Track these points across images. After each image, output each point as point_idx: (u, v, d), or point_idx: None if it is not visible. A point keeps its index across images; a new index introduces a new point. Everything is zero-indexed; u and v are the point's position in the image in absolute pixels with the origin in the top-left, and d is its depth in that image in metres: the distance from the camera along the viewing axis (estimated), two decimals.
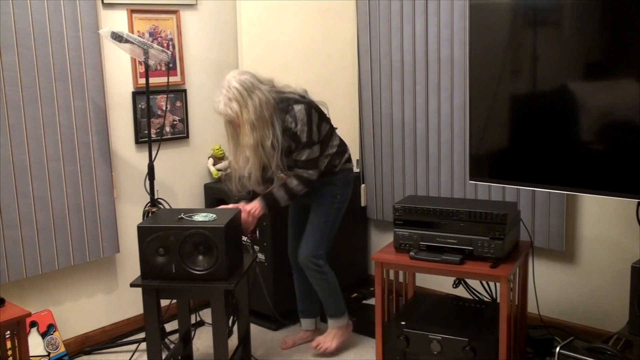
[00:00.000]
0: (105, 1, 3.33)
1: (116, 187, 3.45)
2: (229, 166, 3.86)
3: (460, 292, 3.12)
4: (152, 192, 3.26)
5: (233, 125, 2.92)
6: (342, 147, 3.15)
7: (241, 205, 3.01)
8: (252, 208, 2.97)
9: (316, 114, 2.97)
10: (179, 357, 3.00)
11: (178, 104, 3.70)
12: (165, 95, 3.56)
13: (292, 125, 2.89)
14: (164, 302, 3.19)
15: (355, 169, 3.97)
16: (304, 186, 3.00)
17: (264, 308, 3.52)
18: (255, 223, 3.01)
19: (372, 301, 3.54)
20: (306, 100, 2.97)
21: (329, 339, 3.23)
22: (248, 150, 2.88)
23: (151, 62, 3.14)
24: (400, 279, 3.10)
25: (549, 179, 2.67)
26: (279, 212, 3.25)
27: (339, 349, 3.24)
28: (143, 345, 3.15)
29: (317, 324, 3.40)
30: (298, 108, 2.89)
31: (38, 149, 3.09)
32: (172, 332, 3.41)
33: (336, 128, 3.16)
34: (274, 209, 3.06)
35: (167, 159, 3.67)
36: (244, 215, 2.93)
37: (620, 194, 2.48)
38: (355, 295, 3.89)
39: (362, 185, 4.02)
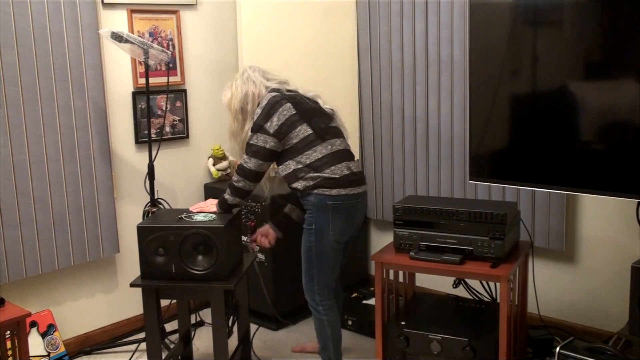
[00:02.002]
0: (105, 1, 3.33)
1: (116, 187, 3.45)
2: (229, 166, 3.88)
3: (460, 292, 3.11)
4: (152, 192, 3.26)
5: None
6: (324, 167, 2.73)
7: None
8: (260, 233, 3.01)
9: (291, 109, 2.73)
10: (179, 357, 3.00)
11: (178, 104, 3.70)
12: (165, 95, 3.56)
13: (259, 111, 2.76)
14: (164, 302, 3.19)
15: None
16: (238, 175, 2.75)
17: (264, 308, 3.52)
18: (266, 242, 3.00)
19: (372, 301, 3.54)
20: (287, 94, 2.79)
21: (309, 349, 3.26)
22: (231, 140, 2.90)
23: (151, 62, 3.14)
24: (400, 279, 3.10)
25: (549, 179, 2.67)
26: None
27: None
28: (143, 345, 3.15)
29: None
30: (267, 96, 2.77)
31: (38, 149, 3.09)
32: (172, 332, 3.41)
33: (337, 150, 2.79)
34: (229, 209, 2.79)
35: (167, 159, 3.67)
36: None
37: (620, 194, 2.48)
38: (355, 295, 3.89)
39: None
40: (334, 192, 2.73)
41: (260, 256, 3.54)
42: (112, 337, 3.54)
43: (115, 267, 3.55)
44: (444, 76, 3.49)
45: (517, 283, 2.86)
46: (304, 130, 2.74)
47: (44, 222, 3.14)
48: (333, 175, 2.73)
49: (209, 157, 3.89)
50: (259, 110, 2.75)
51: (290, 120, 2.72)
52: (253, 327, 3.27)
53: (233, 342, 2.94)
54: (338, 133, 2.86)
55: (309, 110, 2.79)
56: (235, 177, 2.76)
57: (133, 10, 3.44)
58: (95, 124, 3.29)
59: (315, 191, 2.72)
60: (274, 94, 2.78)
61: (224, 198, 2.79)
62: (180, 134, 3.74)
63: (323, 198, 2.72)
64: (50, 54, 3.09)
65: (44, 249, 3.15)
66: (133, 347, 3.38)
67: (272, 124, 2.71)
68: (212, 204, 2.83)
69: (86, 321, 3.46)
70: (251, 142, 2.73)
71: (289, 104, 2.74)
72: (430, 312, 2.97)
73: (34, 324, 3.18)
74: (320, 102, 2.90)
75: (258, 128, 2.72)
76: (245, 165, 2.73)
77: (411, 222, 2.82)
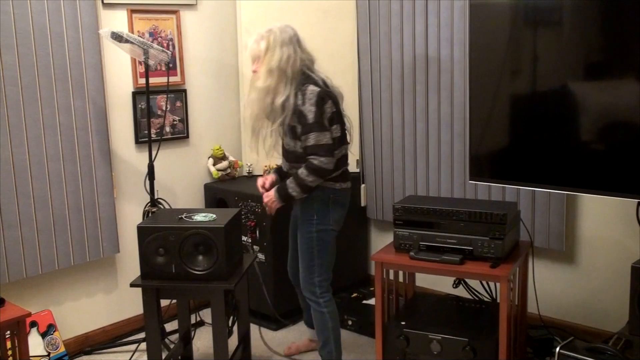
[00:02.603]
0: (105, 1, 3.33)
1: (116, 187, 3.45)
2: (229, 166, 3.88)
3: (460, 292, 3.11)
4: (152, 192, 3.26)
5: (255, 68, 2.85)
6: (339, 162, 2.85)
7: (260, 181, 2.99)
8: (269, 199, 2.86)
9: (332, 107, 2.79)
10: (179, 357, 3.00)
11: (178, 104, 3.70)
12: (165, 95, 3.56)
13: (300, 102, 2.73)
14: (164, 302, 3.19)
15: (355, 169, 3.97)
16: (315, 176, 2.73)
17: (264, 308, 3.52)
18: (274, 211, 2.91)
19: (372, 301, 3.54)
20: (327, 90, 2.81)
21: (303, 347, 3.26)
22: (254, 92, 2.80)
23: (151, 62, 3.14)
24: (400, 279, 3.10)
25: (549, 179, 2.67)
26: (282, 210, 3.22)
27: None
28: (143, 345, 3.15)
29: None
30: (312, 89, 2.74)
31: (38, 149, 3.09)
32: (172, 332, 3.41)
33: (348, 144, 2.93)
34: (289, 200, 2.85)
35: (167, 159, 3.67)
36: (264, 200, 2.90)
37: (620, 194, 2.48)
38: (355, 295, 3.89)
39: (362, 185, 4.02)
40: (337, 185, 2.87)
41: (260, 256, 3.54)
42: (112, 337, 3.54)
43: (115, 267, 3.55)
44: (444, 76, 3.49)
45: (517, 283, 2.86)
46: (337, 131, 2.82)
47: (44, 222, 3.14)
48: (338, 171, 2.86)
49: (209, 157, 3.89)
50: (311, 107, 2.71)
51: (331, 118, 2.79)
52: (255, 327, 3.28)
53: (233, 342, 2.94)
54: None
55: (340, 111, 2.88)
56: (310, 178, 2.74)
57: (133, 10, 3.44)
58: (95, 124, 3.29)
59: (322, 184, 2.81)
60: (317, 89, 2.76)
61: (288, 192, 2.80)
62: (180, 134, 3.74)
63: (327, 191, 2.84)
64: (50, 54, 3.09)
65: (44, 249, 3.15)
66: (133, 347, 3.38)
67: (325, 118, 2.75)
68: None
69: (86, 321, 3.46)
70: (322, 142, 2.72)
71: (331, 101, 2.79)
72: (430, 312, 2.97)
73: (34, 324, 3.18)
74: (341, 98, 2.95)
75: (321, 126, 2.73)
76: (324, 166, 2.72)
77: (411, 222, 2.82)
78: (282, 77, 2.77)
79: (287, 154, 2.91)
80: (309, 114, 2.71)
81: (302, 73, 2.81)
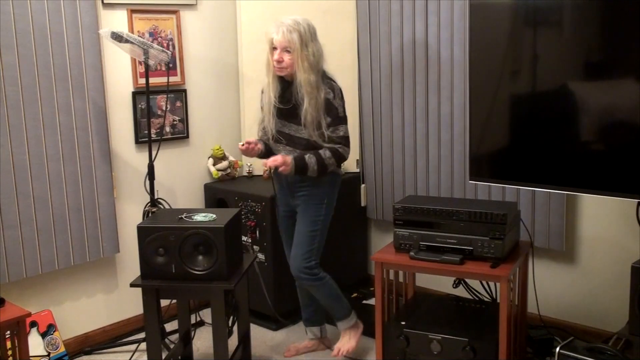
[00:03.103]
0: (105, 1, 3.33)
1: (116, 187, 3.45)
2: (229, 166, 3.88)
3: (460, 292, 3.11)
4: (152, 192, 3.26)
5: (270, 55, 2.90)
6: None
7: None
8: (285, 163, 2.86)
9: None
10: (179, 357, 3.00)
11: (178, 104, 3.70)
12: (165, 95, 3.56)
13: (330, 96, 2.90)
14: (164, 302, 3.18)
15: (355, 169, 3.98)
16: (335, 160, 2.93)
17: (264, 308, 3.52)
18: (276, 168, 2.90)
19: (372, 301, 3.54)
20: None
21: (345, 341, 3.20)
22: (307, 86, 2.85)
23: (151, 62, 3.14)
24: (400, 279, 3.10)
25: (549, 179, 2.67)
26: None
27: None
28: (143, 345, 3.15)
29: (322, 332, 3.34)
30: (337, 84, 2.96)
31: (38, 149, 3.09)
32: (172, 332, 3.41)
33: None
34: (301, 173, 2.91)
35: (167, 159, 3.67)
36: (278, 161, 2.87)
37: (620, 194, 2.48)
38: (355, 295, 3.89)
39: (362, 185, 4.02)
40: (340, 171, 3.13)
41: (260, 256, 3.54)
42: (112, 337, 3.54)
43: (115, 267, 3.55)
44: (444, 76, 3.49)
45: (517, 283, 2.86)
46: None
47: (44, 222, 3.14)
48: None
49: (209, 157, 3.89)
50: (340, 102, 2.95)
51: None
52: (255, 327, 3.28)
53: (233, 342, 2.94)
54: None
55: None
56: (331, 161, 2.92)
57: (133, 10, 3.44)
58: (95, 124, 3.29)
59: (333, 170, 3.00)
60: (338, 85, 2.97)
61: (305, 165, 2.88)
62: (180, 134, 3.74)
63: (336, 177, 3.08)
64: (50, 54, 3.09)
65: (44, 249, 3.15)
66: (133, 347, 3.38)
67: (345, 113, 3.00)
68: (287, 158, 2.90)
69: (86, 321, 3.46)
70: (348, 135, 2.98)
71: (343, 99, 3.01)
72: (430, 312, 2.97)
73: (34, 324, 3.18)
74: None
75: (346, 120, 2.99)
76: (346, 156, 2.98)
77: (411, 222, 2.82)
78: (318, 72, 2.90)
79: (293, 140, 2.97)
80: (340, 108, 2.94)
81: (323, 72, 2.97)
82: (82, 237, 3.29)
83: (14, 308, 2.65)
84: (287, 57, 2.86)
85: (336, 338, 3.27)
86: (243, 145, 2.98)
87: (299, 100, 2.90)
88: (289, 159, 2.88)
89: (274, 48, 2.88)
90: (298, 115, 2.91)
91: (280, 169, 2.87)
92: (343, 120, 2.96)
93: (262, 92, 3.09)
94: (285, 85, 2.96)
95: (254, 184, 3.80)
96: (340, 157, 2.95)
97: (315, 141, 2.92)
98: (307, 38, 2.87)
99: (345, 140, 2.96)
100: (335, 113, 2.92)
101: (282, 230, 3.22)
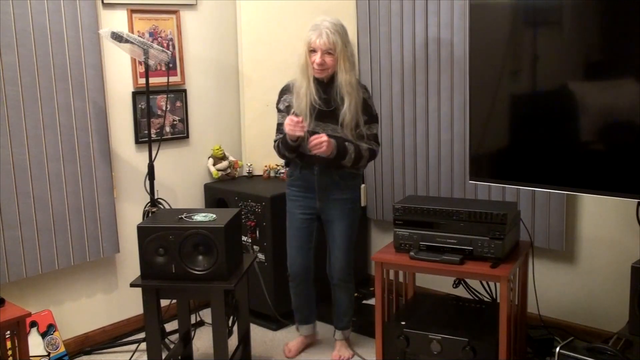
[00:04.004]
0: (105, 1, 3.33)
1: (116, 187, 3.45)
2: (229, 166, 3.88)
3: (460, 292, 3.12)
4: (152, 192, 3.26)
5: (309, 58, 2.89)
6: None
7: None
8: (328, 142, 2.82)
9: None
10: (179, 357, 3.00)
11: (178, 104, 3.70)
12: (165, 95, 3.56)
13: (367, 96, 3.01)
14: (164, 302, 3.18)
15: None
16: (369, 155, 3.00)
17: (264, 308, 3.52)
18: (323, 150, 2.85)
19: (372, 301, 3.54)
20: None
21: (344, 349, 3.26)
22: (347, 86, 2.87)
23: (151, 62, 3.14)
24: (400, 279, 3.10)
25: (549, 179, 2.67)
26: (281, 210, 3.25)
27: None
28: (143, 345, 3.15)
29: (314, 328, 3.38)
30: (365, 86, 3.09)
31: (38, 149, 3.09)
32: (172, 332, 3.41)
33: None
34: (338, 157, 2.89)
35: (167, 159, 3.67)
36: (322, 138, 2.82)
37: (620, 194, 2.48)
38: (355, 295, 3.88)
39: (362, 185, 4.01)
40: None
41: (260, 256, 3.54)
42: (112, 337, 3.54)
43: (115, 267, 3.55)
44: (444, 76, 3.49)
45: (517, 283, 2.86)
46: None
47: (44, 222, 3.14)
48: None
49: (209, 157, 3.89)
50: (372, 101, 3.09)
51: None
52: (255, 327, 3.28)
53: (233, 342, 2.94)
54: None
55: None
56: (367, 154, 2.98)
57: (133, 10, 3.44)
58: (95, 124, 3.29)
59: (358, 172, 3.12)
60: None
61: (345, 151, 2.89)
62: (180, 134, 3.74)
63: (361, 180, 3.22)
64: (50, 54, 3.09)
65: (44, 249, 3.15)
66: (133, 347, 3.38)
67: None
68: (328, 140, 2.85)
69: (86, 321, 3.46)
70: (378, 133, 3.09)
71: None
72: (430, 312, 2.97)
73: (34, 324, 3.18)
74: None
75: (378, 118, 3.11)
76: (377, 152, 3.07)
77: (411, 222, 2.82)
78: (355, 72, 3.01)
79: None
80: (373, 107, 3.07)
81: None
82: (82, 237, 3.29)
83: (14, 308, 2.65)
84: (328, 59, 2.87)
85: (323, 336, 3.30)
86: (300, 118, 2.85)
87: (338, 101, 2.92)
88: (332, 140, 2.87)
89: (312, 50, 2.88)
90: (336, 115, 2.92)
91: (323, 148, 2.81)
92: (376, 119, 3.07)
93: (283, 94, 3.07)
94: (323, 87, 2.95)
95: (254, 184, 3.80)
96: (373, 154, 3.03)
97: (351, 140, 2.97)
98: (346, 39, 2.93)
99: (377, 138, 3.07)
100: (370, 112, 3.02)
101: (294, 233, 3.14)
